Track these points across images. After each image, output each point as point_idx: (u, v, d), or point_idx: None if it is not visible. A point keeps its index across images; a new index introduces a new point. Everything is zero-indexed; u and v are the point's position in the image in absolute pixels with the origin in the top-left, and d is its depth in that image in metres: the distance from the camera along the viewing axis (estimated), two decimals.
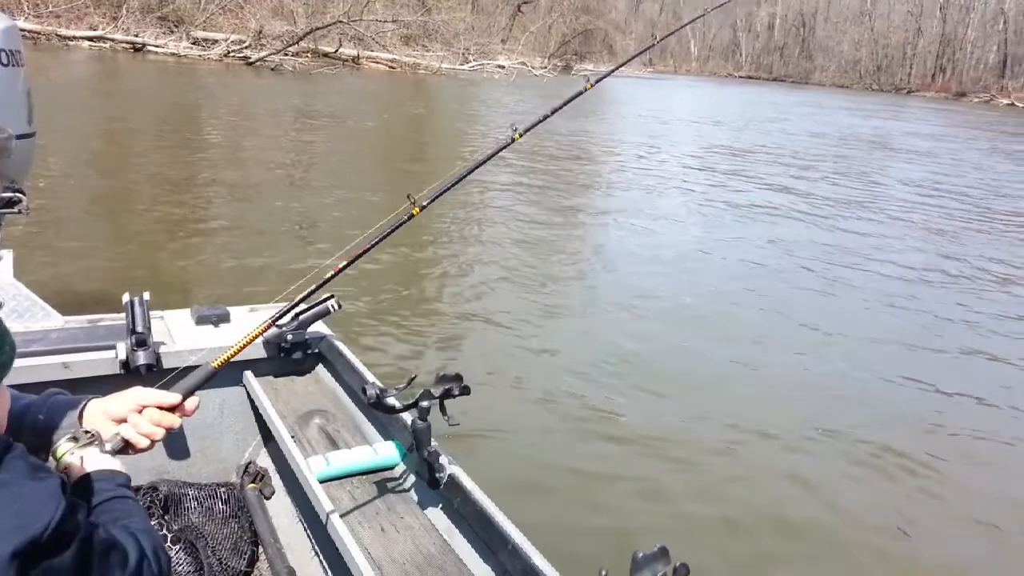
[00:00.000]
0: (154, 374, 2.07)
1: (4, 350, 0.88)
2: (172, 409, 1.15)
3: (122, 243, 5.89)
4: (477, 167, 1.93)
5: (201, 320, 2.34)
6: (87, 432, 1.07)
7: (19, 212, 2.55)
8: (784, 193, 11.55)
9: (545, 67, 45.29)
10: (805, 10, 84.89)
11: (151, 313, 2.14)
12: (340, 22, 28.58)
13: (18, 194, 2.54)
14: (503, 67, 40.27)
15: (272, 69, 24.08)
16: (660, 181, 11.80)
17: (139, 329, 2.09)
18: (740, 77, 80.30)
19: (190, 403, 1.20)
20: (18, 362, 2.05)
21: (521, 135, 1.99)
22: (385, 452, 1.98)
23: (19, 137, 2.54)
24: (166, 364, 2.11)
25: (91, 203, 7.09)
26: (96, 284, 4.61)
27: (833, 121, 28.64)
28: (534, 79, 38.18)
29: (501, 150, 1.98)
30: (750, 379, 4.78)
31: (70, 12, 24.55)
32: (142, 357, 2.06)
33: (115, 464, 1.06)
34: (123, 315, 2.18)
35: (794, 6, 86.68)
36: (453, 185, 1.85)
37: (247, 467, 2.24)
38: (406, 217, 1.70)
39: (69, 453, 1.04)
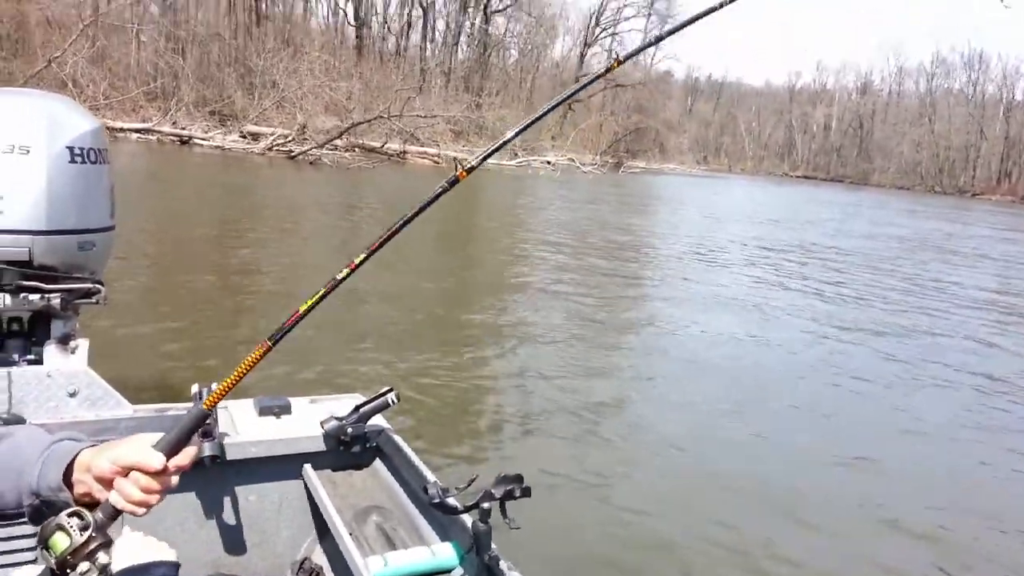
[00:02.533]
0: (218, 465, 2.12)
1: None
2: (161, 472, 1.05)
3: (186, 333, 6.12)
4: (516, 135, 1.77)
5: (264, 411, 2.40)
6: (75, 515, 1.00)
7: (97, 303, 2.70)
8: (846, 295, 11.41)
9: (594, 164, 46.35)
10: (863, 111, 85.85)
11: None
12: (380, 117, 29.76)
13: (97, 285, 2.70)
14: (551, 163, 41.35)
15: (311, 163, 25.07)
16: (715, 279, 11.78)
17: (206, 420, 2.16)
18: (796, 177, 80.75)
19: (183, 457, 1.09)
20: None
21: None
22: (443, 554, 1.97)
23: (102, 231, 2.71)
24: (230, 456, 2.16)
25: (155, 293, 7.40)
26: (161, 373, 4.79)
27: (895, 222, 28.44)
28: (580, 175, 39.03)
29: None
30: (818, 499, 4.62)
31: (122, 104, 26.23)
32: (207, 448, 2.12)
33: (152, 553, 1.02)
34: (189, 405, 2.26)
35: (851, 107, 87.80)
36: (496, 149, 1.71)
37: (302, 563, 2.25)
38: (449, 183, 1.57)
39: (69, 554, 0.97)
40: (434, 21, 50.43)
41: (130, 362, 4.79)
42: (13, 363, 2.56)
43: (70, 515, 0.99)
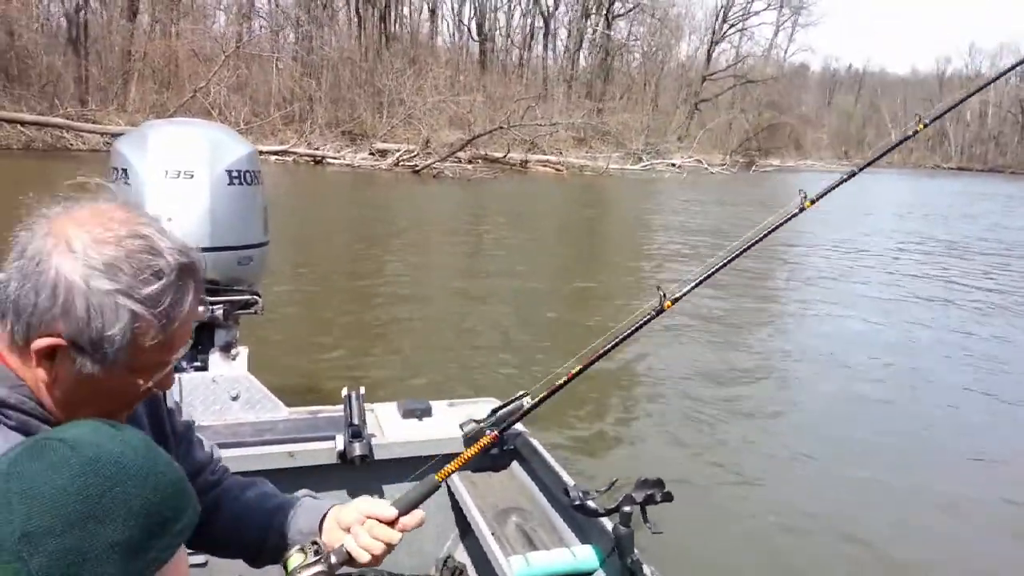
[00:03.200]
0: (367, 465, 2.25)
1: (185, 516, 0.84)
2: (392, 523, 1.18)
3: (335, 340, 6.53)
4: (732, 259, 1.83)
5: (407, 414, 2.52)
6: (315, 544, 1.14)
7: (255, 313, 2.92)
8: (1007, 297, 10.52)
9: (723, 164, 45.00)
10: (1023, 95, 78.81)
11: (364, 406, 2.35)
12: (500, 128, 30.24)
13: (255, 296, 2.92)
14: (677, 165, 40.51)
15: (434, 176, 25.71)
16: (864, 281, 11.18)
17: (355, 422, 2.30)
18: (948, 168, 75.17)
19: (412, 518, 1.21)
20: (251, 450, 2.31)
21: (813, 202, 1.85)
22: (583, 556, 1.99)
23: (258, 246, 2.93)
24: (377, 456, 2.29)
25: (305, 304, 7.88)
26: (314, 377, 5.14)
27: None
28: (708, 177, 37.96)
29: (789, 219, 1.87)
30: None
31: (261, 129, 27.92)
32: (357, 448, 2.25)
33: None
34: (340, 407, 2.40)
35: (1010, 92, 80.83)
36: (708, 277, 1.78)
37: (446, 561, 2.34)
38: (654, 312, 1.65)
39: (299, 570, 1.11)
40: (555, 29, 50.80)
41: (285, 368, 5.15)
42: (182, 369, 2.81)
43: (312, 543, 1.14)
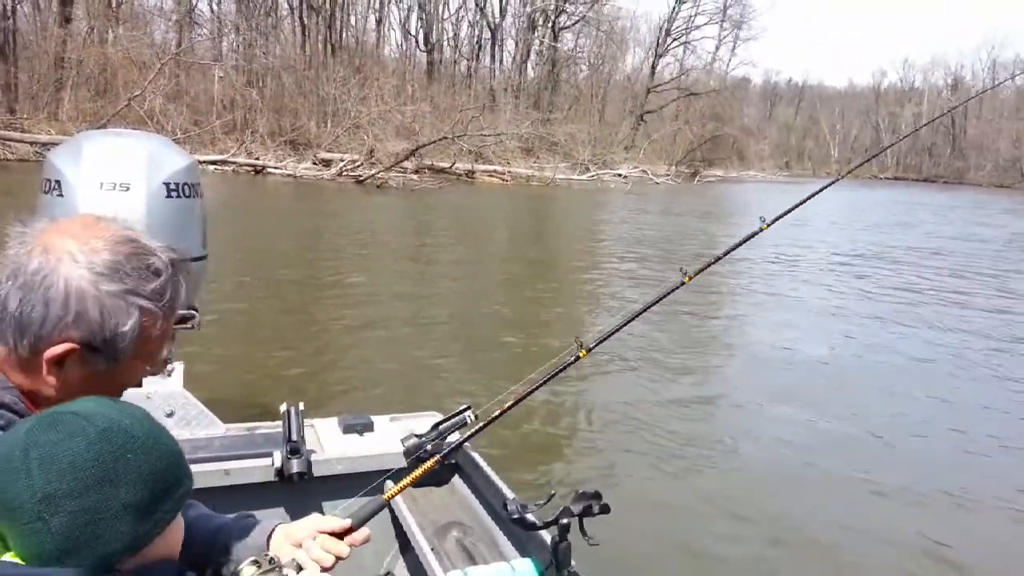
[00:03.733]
0: (305, 481, 2.24)
1: (184, 483, 0.94)
2: (343, 535, 1.25)
3: (274, 355, 6.43)
4: (645, 310, 1.96)
5: (347, 429, 2.51)
6: (269, 557, 1.15)
7: (191, 328, 2.88)
8: (947, 302, 10.95)
9: (668, 175, 45.77)
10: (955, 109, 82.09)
11: (304, 421, 2.34)
12: (444, 138, 30.27)
13: (192, 311, 2.88)
14: (624, 176, 41.07)
15: (378, 186, 25.53)
16: (807, 289, 11.50)
17: (294, 438, 2.28)
18: (886, 179, 77.84)
19: (360, 534, 1.28)
20: None
21: (691, 278, 1.97)
22: (522, 569, 2.01)
23: (195, 260, 2.90)
24: (316, 472, 2.28)
25: (242, 318, 7.75)
26: (251, 393, 5.06)
27: (994, 223, 27.09)
28: (652, 187, 38.61)
29: (670, 292, 1.99)
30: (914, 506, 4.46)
31: (200, 138, 27.34)
32: (295, 466, 2.23)
33: None
34: (278, 423, 2.39)
35: (942, 105, 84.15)
36: (619, 328, 1.91)
37: None
38: (572, 359, 1.80)
39: None
40: (502, 41, 51.06)
41: (223, 384, 5.06)
42: None
43: (266, 555, 1.15)
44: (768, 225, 2.07)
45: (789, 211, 2.10)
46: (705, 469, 4.87)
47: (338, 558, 1.21)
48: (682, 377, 6.83)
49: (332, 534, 1.23)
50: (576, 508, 1.81)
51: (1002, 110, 78.74)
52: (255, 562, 1.14)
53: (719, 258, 2.01)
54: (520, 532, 2.07)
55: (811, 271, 13.49)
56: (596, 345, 1.81)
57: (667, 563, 3.68)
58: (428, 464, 1.62)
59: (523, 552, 2.09)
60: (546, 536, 1.90)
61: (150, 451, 0.88)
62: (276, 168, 27.22)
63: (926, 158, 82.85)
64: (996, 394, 6.80)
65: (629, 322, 1.91)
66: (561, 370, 1.77)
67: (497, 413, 1.75)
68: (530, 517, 1.92)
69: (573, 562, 1.84)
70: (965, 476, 4.97)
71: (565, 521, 1.82)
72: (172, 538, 0.96)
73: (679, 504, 4.34)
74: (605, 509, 1.82)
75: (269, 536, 1.24)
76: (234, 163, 26.35)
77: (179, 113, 27.79)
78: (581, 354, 1.79)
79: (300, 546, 1.21)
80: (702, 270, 1.96)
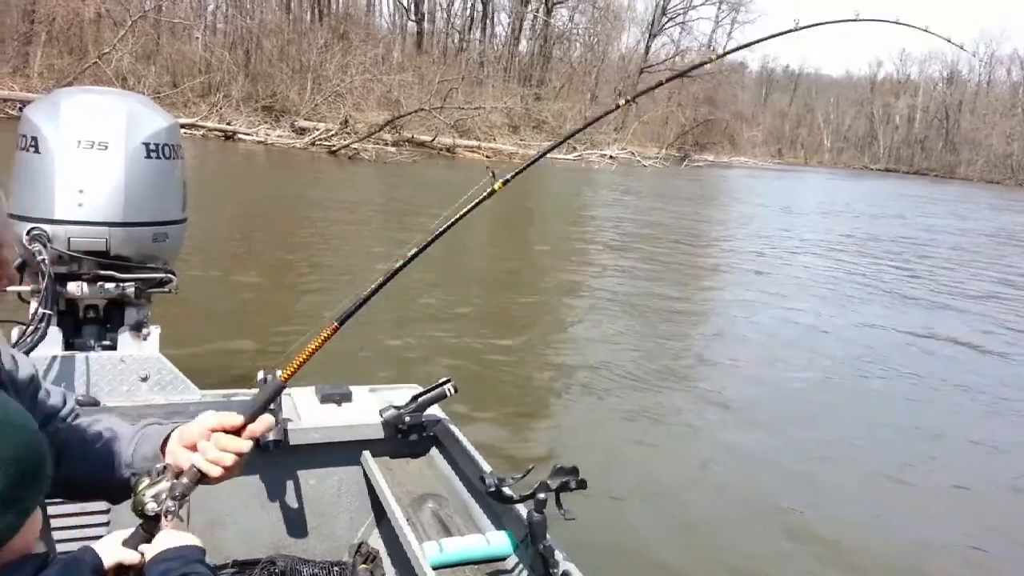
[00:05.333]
0: (281, 450, 2.26)
1: (47, 463, 0.87)
2: (239, 432, 1.17)
3: (252, 321, 6.44)
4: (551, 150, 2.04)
5: (325, 399, 2.53)
6: (161, 467, 1.12)
7: (169, 291, 2.88)
8: (932, 293, 11.09)
9: (656, 158, 45.75)
10: (949, 102, 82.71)
11: None
12: (422, 109, 29.86)
13: (169, 275, 2.88)
14: (612, 157, 41.02)
15: (350, 157, 25.16)
16: (787, 273, 11.60)
17: (270, 406, 2.30)
18: (877, 170, 78.38)
19: (259, 424, 1.19)
20: None
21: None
22: (498, 542, 2.06)
23: (174, 223, 2.89)
24: (292, 441, 2.30)
25: (222, 283, 7.72)
26: (228, 359, 5.06)
27: (984, 216, 27.42)
28: (639, 169, 38.62)
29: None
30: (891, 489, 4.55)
31: (171, 99, 26.75)
32: (271, 433, 2.24)
33: (184, 539, 1.10)
34: (255, 390, 2.40)
35: (936, 98, 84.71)
36: (533, 163, 1.94)
37: (359, 547, 2.37)
38: (487, 193, 1.74)
39: (144, 491, 1.10)
40: (493, 14, 50.64)
41: (200, 349, 5.06)
42: (89, 348, 2.76)
43: (158, 468, 1.13)
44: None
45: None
46: (689, 449, 4.96)
47: (239, 455, 1.15)
48: (672, 355, 6.92)
49: (227, 431, 1.16)
50: (553, 483, 1.85)
51: (996, 106, 79.32)
52: (147, 474, 1.11)
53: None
54: (496, 505, 2.11)
55: (799, 258, 13.60)
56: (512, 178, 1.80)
57: (642, 538, 3.76)
58: (320, 338, 1.48)
59: (499, 525, 2.13)
60: (522, 510, 1.94)
61: (8, 435, 0.81)
62: (247, 134, 26.81)
63: (918, 151, 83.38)
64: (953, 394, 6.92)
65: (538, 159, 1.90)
66: (473, 207, 1.73)
67: (401, 264, 1.65)
68: (507, 491, 1.96)
69: (549, 536, 1.87)
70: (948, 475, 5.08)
71: (542, 495, 1.85)
72: (31, 531, 0.89)
73: (657, 480, 4.44)
74: (582, 484, 1.87)
75: (164, 444, 1.19)
76: (204, 127, 25.94)
77: (150, 74, 27.29)
78: (497, 186, 1.76)
79: (196, 449, 1.15)
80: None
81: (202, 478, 1.13)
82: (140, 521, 1.12)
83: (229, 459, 1.14)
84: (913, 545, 4.02)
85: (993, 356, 8.11)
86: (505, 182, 1.71)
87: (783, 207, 24.81)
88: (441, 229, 1.67)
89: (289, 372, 1.32)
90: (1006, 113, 77.49)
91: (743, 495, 4.35)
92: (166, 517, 1.10)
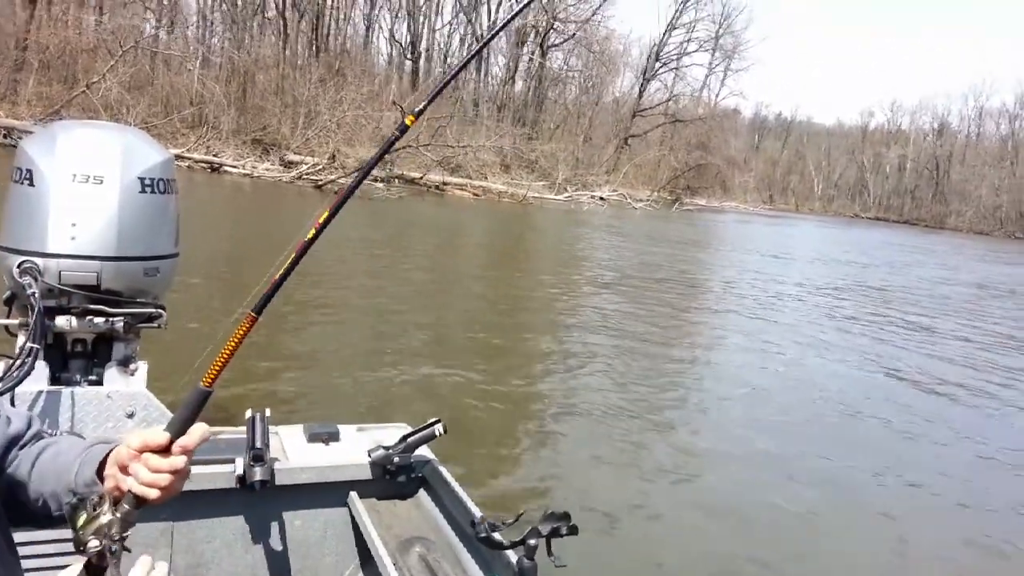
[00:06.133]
0: (267, 490, 2.24)
1: None
2: (167, 449, 1.10)
3: (240, 358, 6.36)
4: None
5: (313, 438, 2.52)
6: (96, 497, 1.06)
7: (158, 327, 2.88)
8: (916, 340, 11.17)
9: (647, 200, 46.18)
10: (939, 153, 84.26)
11: (269, 428, 2.35)
12: (410, 146, 29.97)
13: (159, 309, 2.88)
14: (602, 199, 41.38)
15: (336, 192, 25.27)
16: (780, 318, 11.67)
17: (257, 445, 2.29)
18: (867, 218, 79.41)
19: (190, 437, 1.14)
20: None
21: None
22: None
23: (166, 257, 2.90)
24: (279, 481, 2.28)
25: (210, 318, 7.70)
26: (216, 396, 5.00)
27: (971, 268, 27.74)
28: (629, 212, 38.94)
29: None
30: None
31: (159, 131, 26.77)
32: (258, 473, 2.23)
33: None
34: (242, 429, 2.39)
35: (927, 149, 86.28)
36: (440, 90, 1.64)
37: None
38: (398, 133, 1.61)
39: (84, 527, 1.03)
40: (489, 55, 51.43)
41: (188, 386, 5.01)
42: (75, 383, 2.74)
43: (92, 499, 1.06)
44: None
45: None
46: (681, 495, 4.95)
47: (174, 473, 1.09)
48: (661, 397, 6.93)
49: (154, 450, 1.09)
50: (544, 529, 1.84)
51: (985, 158, 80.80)
52: (84, 507, 1.04)
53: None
54: (486, 551, 2.09)
55: (791, 303, 13.69)
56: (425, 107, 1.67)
57: None
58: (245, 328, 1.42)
59: (487, 571, 2.11)
60: (512, 556, 1.93)
61: None
62: (233, 167, 26.87)
63: (908, 200, 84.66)
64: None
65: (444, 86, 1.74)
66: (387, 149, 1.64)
67: (313, 234, 1.48)
68: (497, 536, 1.95)
69: None
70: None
71: (532, 542, 1.84)
72: None
73: (647, 524, 4.42)
74: (573, 530, 1.86)
75: (101, 466, 1.13)
76: (190, 159, 25.98)
77: (139, 104, 27.38)
78: (408, 120, 1.58)
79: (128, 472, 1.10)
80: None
81: (140, 502, 1.08)
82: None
83: (164, 479, 1.08)
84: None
85: (972, 405, 8.16)
86: (417, 114, 1.55)
87: (773, 254, 25.04)
88: (356, 180, 1.55)
89: (212, 375, 1.24)
90: (995, 165, 78.93)
91: (739, 539, 4.34)
92: (111, 554, 1.03)
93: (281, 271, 1.39)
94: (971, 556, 4.62)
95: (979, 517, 5.25)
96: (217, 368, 1.25)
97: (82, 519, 1.04)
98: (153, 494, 1.08)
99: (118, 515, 1.05)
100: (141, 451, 1.09)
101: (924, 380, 9.05)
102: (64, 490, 1.15)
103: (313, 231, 1.45)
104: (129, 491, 1.08)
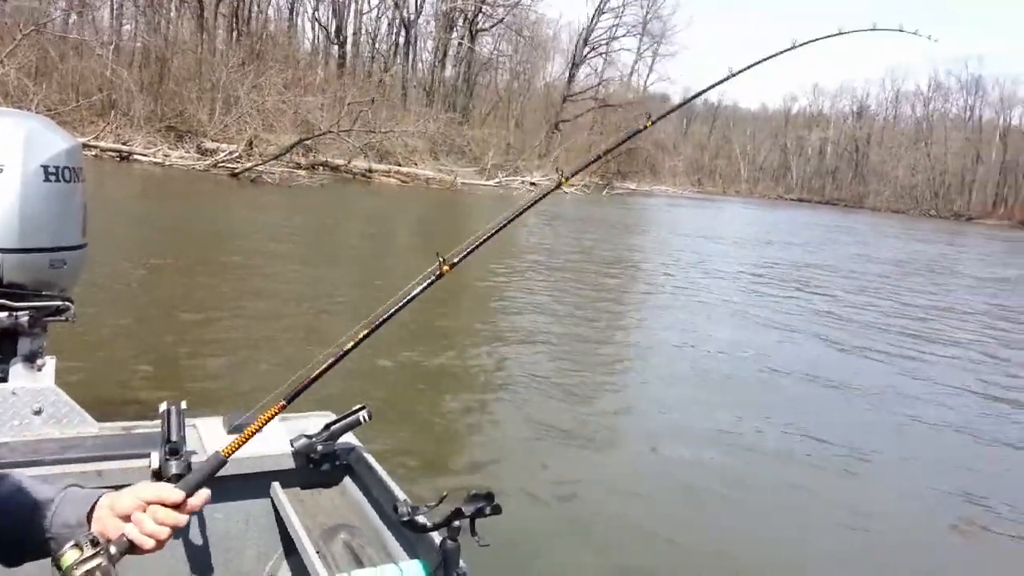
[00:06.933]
0: None
1: None
2: (178, 506, 1.17)
3: (156, 350, 6.21)
4: (509, 222, 1.94)
5: (233, 429, 2.47)
6: (91, 538, 1.08)
7: (66, 320, 2.78)
8: (833, 313, 11.59)
9: (579, 185, 46.49)
10: (858, 135, 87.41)
11: (185, 421, 2.29)
12: (330, 132, 29.54)
13: (67, 303, 2.78)
14: (532, 184, 41.55)
15: (252, 180, 24.60)
16: (704, 296, 11.95)
17: (173, 438, 2.23)
18: (791, 200, 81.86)
19: (197, 498, 1.21)
20: (54, 469, 2.22)
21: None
22: (411, 572, 2.04)
23: (73, 248, 2.80)
24: None
25: (121, 311, 7.46)
26: (129, 391, 4.88)
27: (886, 245, 28.90)
28: (558, 196, 39.13)
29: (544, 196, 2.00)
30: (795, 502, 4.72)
31: (64, 118, 25.65)
32: (174, 467, 2.18)
33: None
34: (158, 422, 2.34)
35: (847, 131, 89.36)
36: (484, 242, 1.87)
37: None
38: (435, 276, 1.75)
39: (74, 567, 1.05)
40: (416, 39, 50.95)
41: (99, 380, 4.87)
42: None
43: (88, 538, 1.09)
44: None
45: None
46: (605, 472, 5.03)
47: (174, 528, 1.15)
48: (579, 378, 7.04)
49: (166, 504, 1.15)
50: (468, 509, 1.86)
51: (902, 139, 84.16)
52: (76, 546, 1.07)
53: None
54: (410, 534, 2.10)
55: (713, 281, 14.03)
56: (460, 261, 1.80)
57: (557, 563, 3.78)
58: (266, 415, 1.57)
59: (413, 554, 2.12)
60: (436, 538, 1.94)
61: None
62: (143, 155, 25.96)
63: (829, 182, 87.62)
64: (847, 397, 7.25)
65: (491, 237, 1.88)
66: (423, 290, 1.74)
67: (351, 345, 1.72)
68: (420, 519, 1.96)
69: (463, 563, 1.88)
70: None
71: (456, 523, 1.86)
72: None
73: (573, 503, 4.49)
74: (497, 510, 1.88)
75: (92, 509, 1.15)
76: (97, 147, 24.94)
77: (42, 91, 26.17)
78: (444, 270, 1.77)
79: (129, 518, 1.13)
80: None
81: (131, 549, 1.12)
82: None
83: (165, 532, 1.14)
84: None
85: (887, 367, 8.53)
86: (452, 266, 1.73)
87: (702, 235, 25.61)
88: (391, 311, 1.71)
89: (233, 447, 1.33)
90: (911, 146, 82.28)
91: (661, 516, 4.44)
92: None
93: (317, 371, 1.60)
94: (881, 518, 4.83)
95: (899, 471, 5.49)
96: (239, 442, 1.36)
97: (73, 557, 1.06)
98: (150, 544, 1.12)
99: (112, 559, 1.09)
100: (150, 503, 1.14)
101: (840, 347, 9.40)
102: (35, 528, 1.14)
103: (351, 343, 1.66)
104: (123, 535, 1.11)
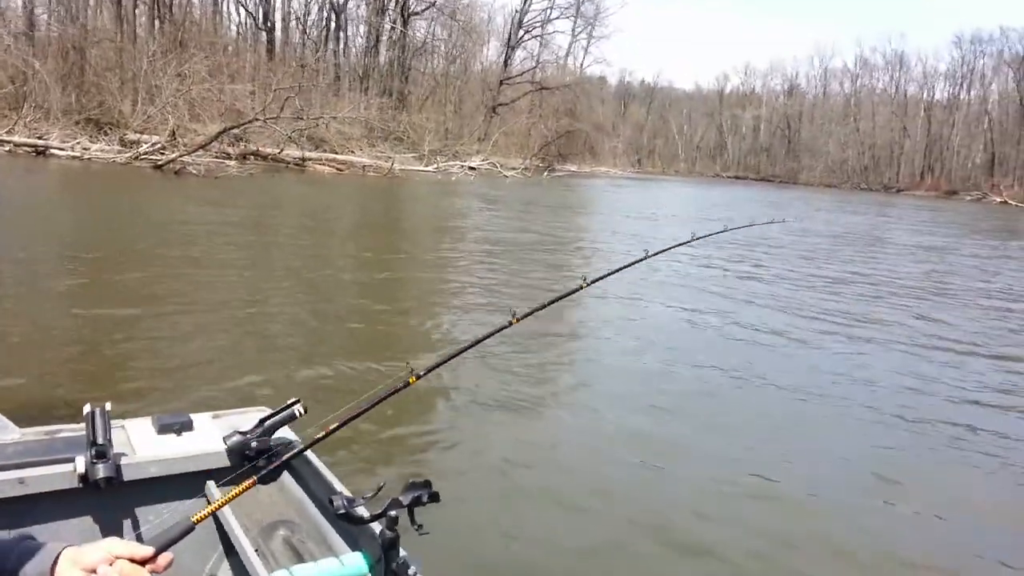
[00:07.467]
0: (114, 487, 2.13)
1: None
2: (144, 562, 1.19)
3: (78, 352, 5.99)
4: (475, 344, 2.32)
5: (163, 429, 2.41)
6: None
7: None
8: (775, 285, 11.88)
9: (518, 168, 46.65)
10: (790, 112, 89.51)
11: (112, 423, 2.22)
12: (256, 120, 28.86)
13: None
14: (472, 168, 41.47)
15: (176, 172, 23.93)
16: (648, 276, 12.10)
17: (99, 441, 2.16)
18: (727, 177, 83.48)
19: (163, 558, 1.24)
20: None
21: (518, 319, 2.25)
22: (352, 563, 2.03)
23: None
24: (127, 476, 2.18)
25: (42, 313, 7.19)
26: (51, 394, 4.69)
27: (820, 218, 29.73)
28: (499, 180, 39.23)
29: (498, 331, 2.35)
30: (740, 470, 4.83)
31: None
32: (102, 470, 2.12)
33: None
34: (82, 426, 2.26)
35: (779, 109, 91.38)
36: (451, 358, 2.22)
37: None
38: (402, 384, 1.94)
39: None
40: (347, 25, 50.16)
41: (17, 384, 4.68)
42: None
43: None
44: (588, 284, 2.30)
45: (610, 274, 2.41)
46: (543, 452, 5.05)
47: None
48: (520, 361, 7.01)
49: (135, 560, 1.18)
50: (405, 499, 1.85)
51: (831, 115, 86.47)
52: None
53: (544, 306, 2.31)
54: (349, 527, 2.08)
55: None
56: (427, 373, 2.04)
57: (498, 549, 3.79)
58: (242, 487, 1.69)
59: (353, 547, 2.11)
60: (376, 528, 1.93)
61: None
62: (61, 149, 25.08)
63: (764, 159, 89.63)
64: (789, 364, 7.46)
65: (459, 354, 2.21)
66: (392, 394, 1.88)
67: (322, 435, 1.88)
68: (359, 511, 1.94)
69: (404, 552, 1.87)
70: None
71: (394, 513, 1.85)
72: None
73: (514, 487, 4.48)
74: (435, 498, 1.88)
75: (55, 563, 1.15)
76: (10, 142, 24.02)
77: None
78: (411, 380, 1.98)
79: (94, 572, 1.15)
80: (529, 314, 2.20)
81: None
82: None
83: None
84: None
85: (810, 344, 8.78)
86: (419, 377, 1.96)
87: (643, 215, 25.92)
88: (352, 415, 1.91)
89: (205, 515, 1.42)
90: (840, 122, 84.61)
91: (603, 498, 4.47)
92: None
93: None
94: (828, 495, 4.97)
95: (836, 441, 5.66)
96: (211, 510, 1.46)
97: None
98: None
99: None
100: (119, 557, 1.17)
101: (771, 319, 9.64)
102: None
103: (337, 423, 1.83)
104: None
